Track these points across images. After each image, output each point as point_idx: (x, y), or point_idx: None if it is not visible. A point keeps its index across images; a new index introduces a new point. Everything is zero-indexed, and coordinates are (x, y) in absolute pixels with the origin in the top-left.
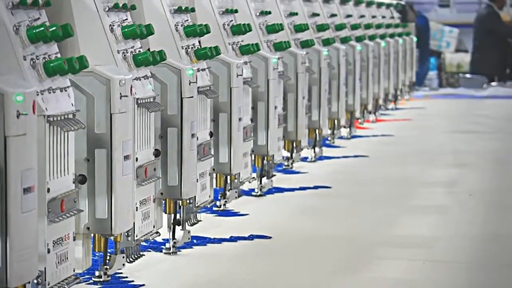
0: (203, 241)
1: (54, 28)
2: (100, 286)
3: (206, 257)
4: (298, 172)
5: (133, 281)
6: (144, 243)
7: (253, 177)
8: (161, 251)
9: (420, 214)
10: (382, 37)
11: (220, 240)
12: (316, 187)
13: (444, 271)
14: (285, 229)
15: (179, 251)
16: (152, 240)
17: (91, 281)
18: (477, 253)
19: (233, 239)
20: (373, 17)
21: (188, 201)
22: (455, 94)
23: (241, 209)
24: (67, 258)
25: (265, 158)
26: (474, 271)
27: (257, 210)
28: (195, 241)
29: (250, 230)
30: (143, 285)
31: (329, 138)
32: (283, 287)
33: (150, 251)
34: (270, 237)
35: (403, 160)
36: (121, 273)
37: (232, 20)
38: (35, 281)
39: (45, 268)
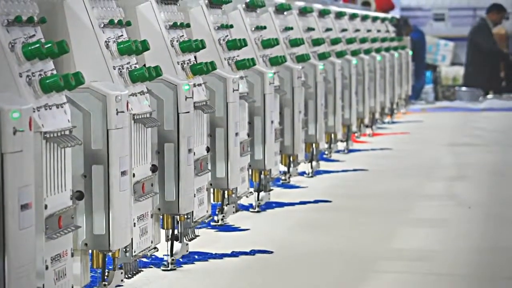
0: (204, 256)
1: (49, 44)
2: None
3: (208, 272)
4: (296, 187)
5: None
6: (145, 259)
7: (251, 192)
8: (160, 267)
9: (419, 227)
10: (378, 51)
11: (221, 256)
12: (316, 201)
13: (444, 284)
14: (286, 244)
15: (181, 266)
16: (153, 256)
17: None
18: (476, 266)
19: (234, 254)
20: (368, 31)
21: (185, 216)
22: (451, 107)
23: (242, 224)
24: (65, 275)
25: (262, 172)
26: (474, 283)
27: (258, 224)
28: (196, 256)
29: (251, 245)
30: None
31: (326, 152)
32: None
33: (151, 267)
34: (271, 252)
35: (401, 174)
36: None
37: (227, 35)
38: None
39: (43, 285)
